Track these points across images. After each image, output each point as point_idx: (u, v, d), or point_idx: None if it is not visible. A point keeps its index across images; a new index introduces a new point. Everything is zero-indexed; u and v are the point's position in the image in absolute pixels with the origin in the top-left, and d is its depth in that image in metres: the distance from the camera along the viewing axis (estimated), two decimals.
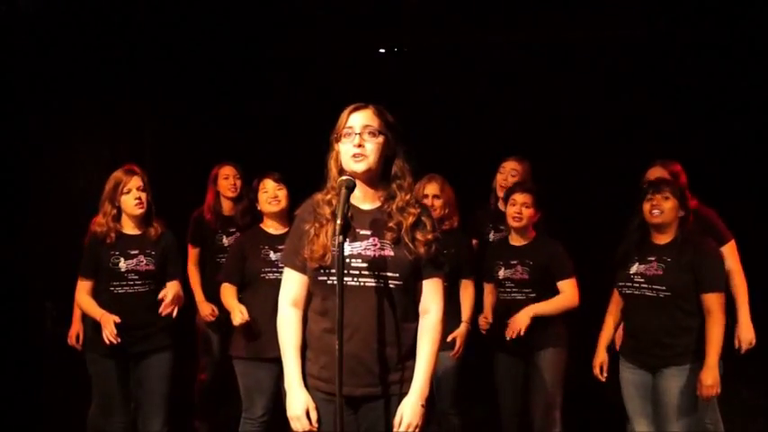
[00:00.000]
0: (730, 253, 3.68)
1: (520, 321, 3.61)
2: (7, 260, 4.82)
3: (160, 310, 3.48)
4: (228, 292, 3.73)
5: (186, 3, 4.94)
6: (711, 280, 3.26)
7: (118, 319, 3.40)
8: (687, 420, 3.25)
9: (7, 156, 4.84)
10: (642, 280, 3.33)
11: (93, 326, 3.60)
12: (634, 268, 3.37)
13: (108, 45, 5.07)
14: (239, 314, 3.57)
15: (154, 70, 5.41)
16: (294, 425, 2.43)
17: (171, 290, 3.54)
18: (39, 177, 5.08)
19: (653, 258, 3.33)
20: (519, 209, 3.74)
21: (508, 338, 3.63)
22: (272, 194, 3.72)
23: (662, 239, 3.37)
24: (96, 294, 3.57)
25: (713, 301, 3.24)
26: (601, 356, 3.56)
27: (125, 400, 3.64)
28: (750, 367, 3.33)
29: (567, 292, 3.71)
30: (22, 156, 4.95)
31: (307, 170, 3.69)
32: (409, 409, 2.38)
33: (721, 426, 3.68)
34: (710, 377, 3.19)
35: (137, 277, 3.55)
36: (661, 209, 3.31)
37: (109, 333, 3.37)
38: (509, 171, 4.26)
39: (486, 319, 3.95)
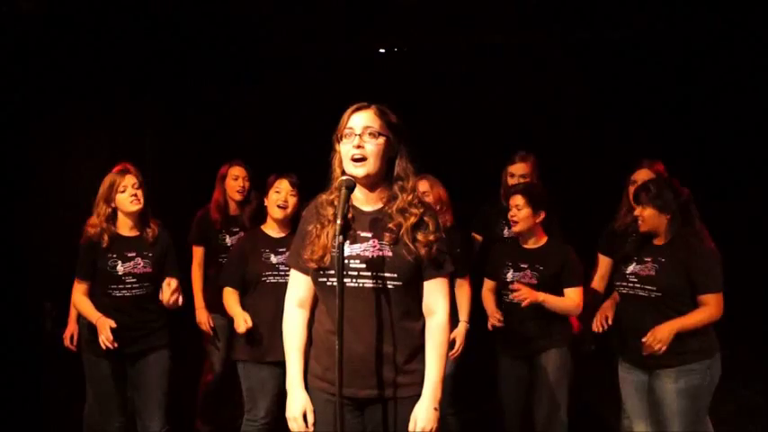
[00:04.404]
0: None
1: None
2: (7, 260, 4.82)
3: (165, 298, 3.47)
4: (231, 298, 3.70)
5: (187, 2, 4.93)
6: (706, 281, 3.24)
7: (114, 324, 3.39)
8: (686, 421, 3.24)
9: (7, 156, 4.84)
10: (636, 280, 3.36)
11: (88, 327, 3.59)
12: (630, 268, 3.40)
13: (108, 45, 5.07)
14: (243, 322, 3.55)
15: (154, 70, 5.41)
16: (291, 425, 2.44)
17: (172, 281, 3.53)
18: (38, 177, 5.08)
19: (649, 259, 3.35)
20: (513, 212, 3.74)
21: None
22: (283, 197, 3.69)
23: (659, 240, 3.38)
24: (93, 296, 3.56)
25: (709, 300, 3.24)
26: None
27: (122, 401, 3.63)
28: (749, 367, 3.32)
29: (574, 299, 3.69)
30: (22, 156, 4.95)
31: (306, 170, 3.75)
32: (423, 413, 2.38)
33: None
34: (660, 333, 3.15)
35: (134, 280, 3.54)
36: (642, 218, 3.35)
37: (105, 338, 3.37)
38: (519, 176, 4.25)
39: (497, 317, 3.82)
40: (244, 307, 3.66)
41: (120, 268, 3.51)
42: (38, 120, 4.98)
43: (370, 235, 2.43)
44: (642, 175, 3.86)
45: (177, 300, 3.50)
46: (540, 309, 3.67)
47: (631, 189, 3.81)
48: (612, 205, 4.04)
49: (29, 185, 5.05)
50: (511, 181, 4.27)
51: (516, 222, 3.74)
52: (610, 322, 3.58)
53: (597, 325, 3.59)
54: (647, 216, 3.34)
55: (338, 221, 2.28)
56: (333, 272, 2.35)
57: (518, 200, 3.73)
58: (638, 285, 3.35)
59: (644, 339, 3.19)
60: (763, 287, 4.35)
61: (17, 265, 4.91)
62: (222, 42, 5.33)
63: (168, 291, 3.48)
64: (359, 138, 2.39)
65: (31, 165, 5.04)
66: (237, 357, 3.71)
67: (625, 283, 3.41)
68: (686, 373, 3.23)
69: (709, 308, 3.23)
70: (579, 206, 4.57)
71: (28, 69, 4.82)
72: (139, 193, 3.54)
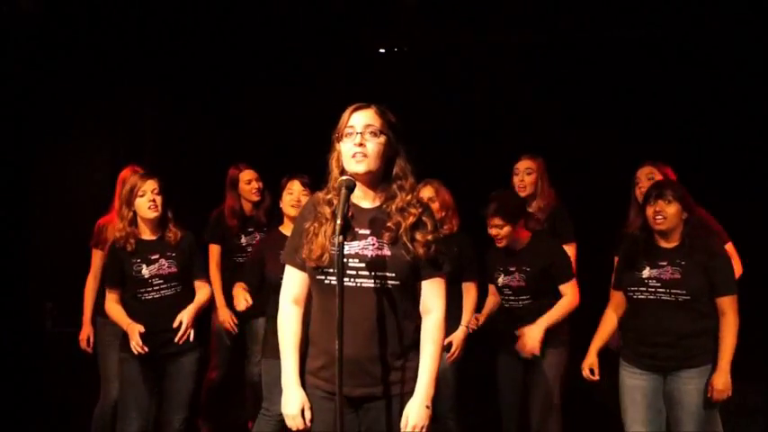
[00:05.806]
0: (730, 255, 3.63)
1: (534, 339, 3.59)
2: (7, 260, 4.83)
3: (176, 339, 3.52)
4: (239, 291, 3.79)
5: (186, 1, 4.93)
6: (725, 283, 3.23)
7: (142, 329, 3.44)
8: (704, 421, 3.22)
9: (7, 155, 4.85)
10: (659, 284, 3.26)
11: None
12: (646, 272, 3.30)
13: (108, 44, 5.08)
14: (243, 301, 3.68)
15: (154, 69, 5.41)
16: (289, 422, 2.45)
17: (187, 315, 3.56)
18: (39, 177, 5.09)
19: (665, 263, 3.27)
20: (495, 232, 3.73)
21: (524, 356, 3.64)
22: (296, 198, 3.76)
23: (669, 243, 3.31)
24: (124, 302, 3.58)
25: (727, 304, 3.22)
26: (591, 359, 3.48)
27: (146, 404, 3.62)
28: (750, 366, 3.32)
29: (569, 295, 3.69)
30: (23, 156, 4.96)
31: (305, 170, 3.76)
32: (415, 410, 2.39)
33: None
34: (722, 381, 3.18)
35: (161, 281, 3.55)
36: (665, 214, 3.25)
37: (135, 344, 3.42)
38: (524, 171, 4.23)
39: (476, 320, 3.93)
40: (270, 308, 3.70)
41: (145, 271, 3.53)
42: (38, 119, 4.99)
43: (368, 232, 2.43)
44: (646, 172, 3.85)
45: (184, 337, 3.54)
46: (538, 310, 3.69)
47: (638, 189, 3.82)
48: (615, 208, 4.04)
49: (29, 185, 5.06)
50: (516, 179, 4.25)
51: (501, 240, 3.73)
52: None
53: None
54: (672, 213, 3.25)
55: (338, 221, 2.27)
56: (332, 270, 2.35)
57: (496, 221, 3.71)
58: (662, 290, 3.25)
59: (716, 397, 3.19)
60: (761, 286, 4.35)
61: (17, 265, 4.92)
62: (221, 42, 5.33)
63: (182, 328, 3.53)
64: (360, 136, 2.40)
65: (31, 165, 5.05)
66: (267, 355, 3.73)
67: (644, 288, 3.30)
68: (706, 372, 3.22)
69: (731, 317, 3.21)
70: (583, 209, 4.55)
71: (28, 69, 4.83)
72: (158, 199, 3.56)
